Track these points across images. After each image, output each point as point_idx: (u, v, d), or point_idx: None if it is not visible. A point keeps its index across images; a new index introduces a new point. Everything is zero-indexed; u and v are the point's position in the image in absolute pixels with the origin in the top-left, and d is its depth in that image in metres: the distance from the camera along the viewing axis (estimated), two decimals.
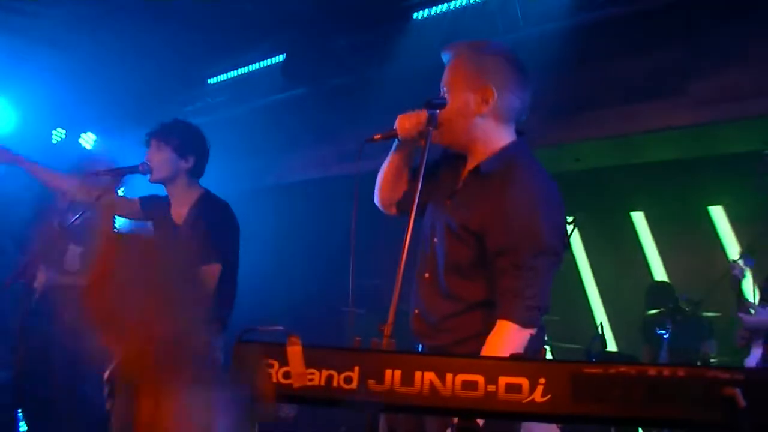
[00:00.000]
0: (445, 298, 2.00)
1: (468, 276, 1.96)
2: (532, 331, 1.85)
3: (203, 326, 2.83)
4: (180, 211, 3.12)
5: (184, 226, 3.02)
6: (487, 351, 1.80)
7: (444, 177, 2.13)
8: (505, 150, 1.99)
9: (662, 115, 4.67)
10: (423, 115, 1.91)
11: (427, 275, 2.07)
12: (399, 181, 2.19)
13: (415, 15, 4.74)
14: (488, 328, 1.86)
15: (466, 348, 1.91)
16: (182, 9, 4.82)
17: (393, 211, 2.25)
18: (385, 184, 2.21)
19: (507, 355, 1.38)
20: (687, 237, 6.05)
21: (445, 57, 2.06)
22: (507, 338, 1.82)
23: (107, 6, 4.81)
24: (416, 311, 2.09)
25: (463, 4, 4.51)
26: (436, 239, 2.05)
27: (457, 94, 1.97)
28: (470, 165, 2.04)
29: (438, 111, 1.90)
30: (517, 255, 1.83)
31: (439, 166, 2.17)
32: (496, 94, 1.94)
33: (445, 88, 2.01)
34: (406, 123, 1.98)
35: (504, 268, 1.85)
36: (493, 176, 1.94)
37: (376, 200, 2.26)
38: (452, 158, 2.13)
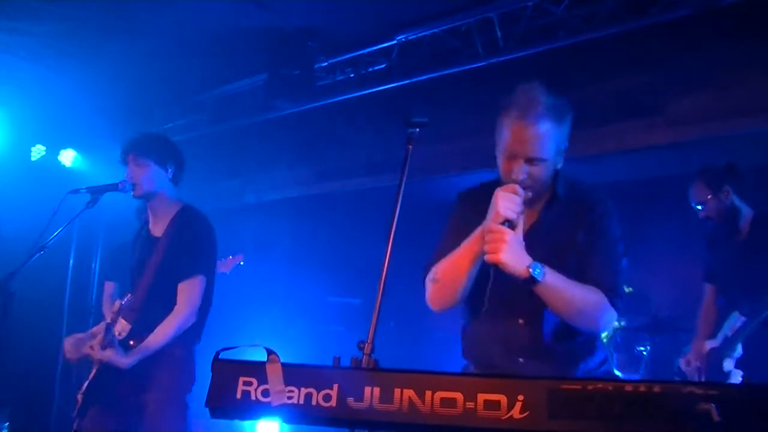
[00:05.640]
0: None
1: None
2: None
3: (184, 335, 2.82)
4: (160, 224, 3.09)
5: (163, 238, 3.00)
6: None
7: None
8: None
9: (636, 134, 4.74)
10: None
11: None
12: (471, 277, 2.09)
13: (397, 38, 4.77)
14: None
15: None
16: (163, 27, 4.82)
17: (455, 305, 2.17)
18: (461, 280, 2.07)
19: None
20: None
21: (530, 120, 2.11)
22: None
23: (88, 23, 4.80)
24: None
25: (444, 28, 4.55)
26: None
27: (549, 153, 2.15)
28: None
29: (417, 130, 1.91)
30: None
31: (470, 222, 2.10)
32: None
33: (536, 147, 2.10)
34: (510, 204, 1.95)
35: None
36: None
37: (445, 301, 2.14)
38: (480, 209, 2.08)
